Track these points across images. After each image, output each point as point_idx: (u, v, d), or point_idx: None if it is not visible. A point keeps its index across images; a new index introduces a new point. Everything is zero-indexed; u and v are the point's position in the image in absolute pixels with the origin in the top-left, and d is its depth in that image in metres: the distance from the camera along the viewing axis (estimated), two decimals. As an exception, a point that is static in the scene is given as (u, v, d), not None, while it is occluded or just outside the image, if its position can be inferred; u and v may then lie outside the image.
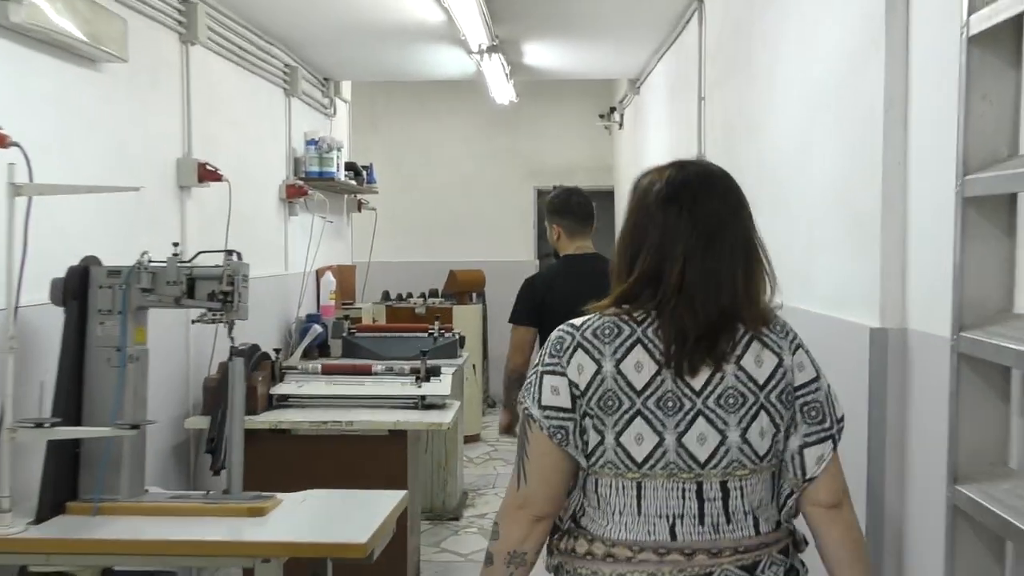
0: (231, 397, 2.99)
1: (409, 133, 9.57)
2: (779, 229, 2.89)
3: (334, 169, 5.92)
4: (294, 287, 5.71)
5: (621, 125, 8.29)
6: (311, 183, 5.90)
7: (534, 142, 9.56)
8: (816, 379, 1.61)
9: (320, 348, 5.63)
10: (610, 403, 1.54)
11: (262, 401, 4.16)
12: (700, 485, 1.55)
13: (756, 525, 1.58)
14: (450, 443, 5.65)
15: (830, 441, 1.60)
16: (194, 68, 4.26)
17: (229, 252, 3.02)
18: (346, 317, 5.79)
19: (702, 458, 1.54)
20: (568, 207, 3.85)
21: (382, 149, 9.51)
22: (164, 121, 4.04)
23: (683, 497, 1.55)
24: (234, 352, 3.09)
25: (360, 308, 6.53)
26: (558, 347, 1.58)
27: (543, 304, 3.74)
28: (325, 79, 6.79)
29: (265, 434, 4.02)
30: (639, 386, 1.54)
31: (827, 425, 1.60)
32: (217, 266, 2.95)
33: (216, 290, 2.92)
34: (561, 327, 1.61)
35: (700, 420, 1.54)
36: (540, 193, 9.68)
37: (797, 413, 1.59)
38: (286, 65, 5.66)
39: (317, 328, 5.53)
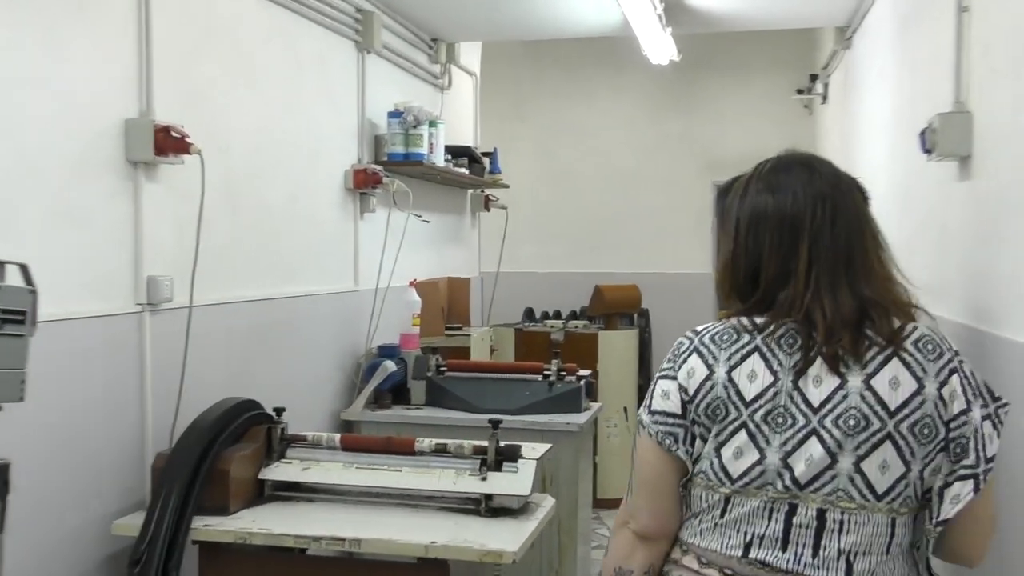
0: None
1: (560, 119, 8.01)
2: None
3: (424, 150, 4.41)
4: (366, 308, 4.25)
5: (825, 98, 6.40)
6: (395, 168, 4.42)
7: (712, 127, 7.78)
8: (966, 411, 1.40)
9: (395, 392, 4.14)
10: (717, 412, 1.45)
11: (241, 491, 2.69)
12: (793, 508, 1.41)
13: (848, 572, 1.39)
14: (567, 524, 4.00)
15: (971, 481, 1.38)
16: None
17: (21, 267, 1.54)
18: (433, 350, 4.26)
19: (804, 479, 1.40)
20: None
21: (529, 139, 8.02)
22: (99, 62, 2.63)
23: (769, 518, 1.42)
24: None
25: (469, 335, 5.00)
26: (676, 351, 1.52)
27: None
28: (433, 40, 5.31)
29: (231, 549, 2.54)
30: (749, 397, 1.44)
31: (969, 462, 1.39)
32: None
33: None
34: (685, 332, 1.53)
35: (812, 440, 1.40)
36: (719, 190, 7.86)
37: (946, 450, 1.40)
38: (357, 9, 4.20)
39: (390, 366, 4.04)
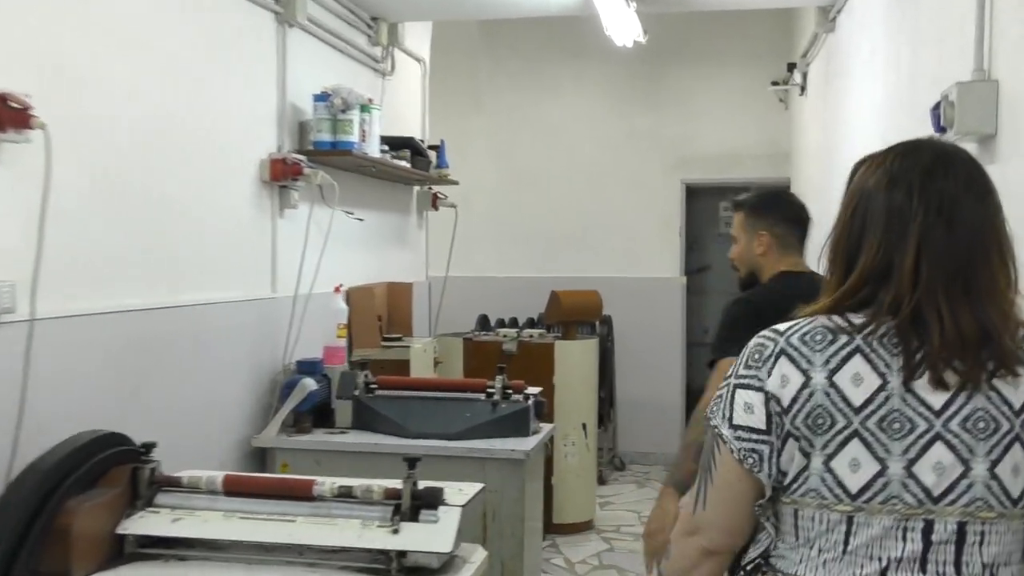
0: None
1: (520, 113, 7.50)
2: None
3: (354, 138, 3.88)
4: (284, 317, 3.71)
5: (804, 89, 5.94)
6: (322, 158, 3.89)
7: (682, 122, 7.30)
8: None
9: (318, 414, 3.61)
10: (820, 421, 1.31)
11: (90, 551, 2.16)
12: (929, 524, 1.30)
13: None
14: (511, 567, 3.47)
15: None
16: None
17: None
18: (361, 365, 3.74)
19: (937, 492, 1.29)
20: (781, 209, 2.85)
21: (486, 133, 7.51)
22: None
23: (904, 538, 1.30)
24: None
25: (408, 346, 4.47)
26: (757, 356, 1.36)
27: None
28: (373, 19, 4.79)
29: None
30: (857, 402, 1.30)
31: None
32: None
33: None
34: (762, 333, 1.38)
35: (938, 445, 1.29)
36: (690, 190, 7.42)
37: None
38: (275, -24, 3.68)
39: (309, 384, 3.51)
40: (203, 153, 3.24)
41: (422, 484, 2.29)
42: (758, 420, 1.35)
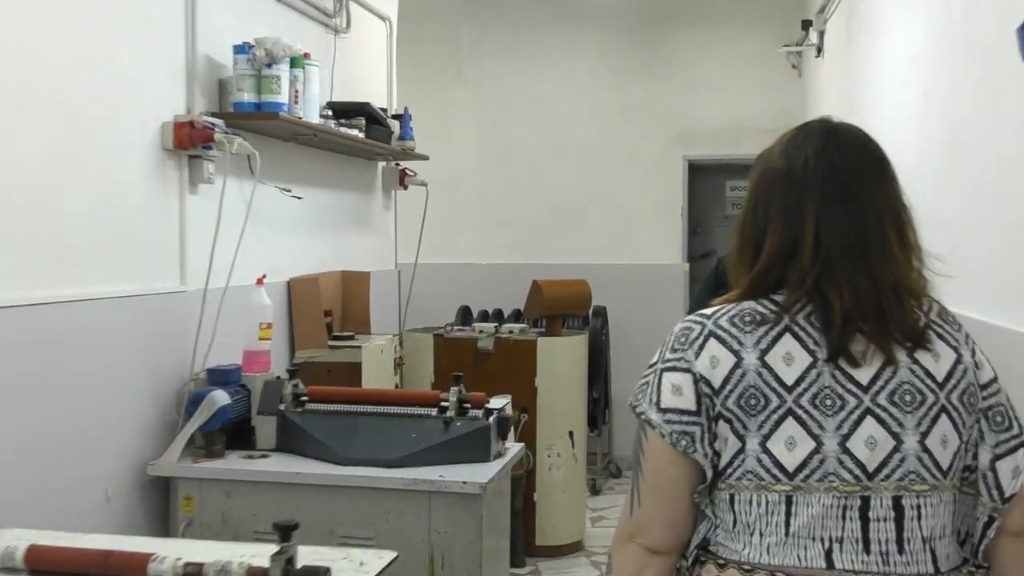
0: None
1: (507, 84, 6.83)
2: None
3: (283, 99, 3.23)
4: (195, 315, 3.06)
5: (820, 51, 5.26)
6: (245, 123, 3.24)
7: (684, 94, 6.62)
8: (995, 379, 1.39)
9: (234, 434, 2.98)
10: (753, 402, 1.31)
11: None
12: (866, 502, 1.30)
13: (935, 561, 1.33)
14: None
15: (1022, 450, 1.36)
16: None
17: None
18: (291, 372, 3.09)
19: (871, 466, 1.30)
20: None
21: (471, 107, 6.86)
22: None
23: (843, 516, 1.30)
24: None
25: (361, 346, 3.83)
26: (683, 339, 1.37)
27: None
28: (321, -35, 4.14)
29: None
30: (790, 381, 1.31)
31: (1016, 431, 1.37)
32: None
33: None
34: (687, 318, 1.40)
35: (869, 420, 1.30)
36: (692, 167, 6.75)
37: (982, 420, 1.37)
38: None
39: (220, 397, 2.87)
40: (84, 117, 2.60)
41: (305, 556, 1.65)
42: (688, 401, 1.33)
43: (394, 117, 4.58)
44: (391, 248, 5.21)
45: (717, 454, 1.33)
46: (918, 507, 1.30)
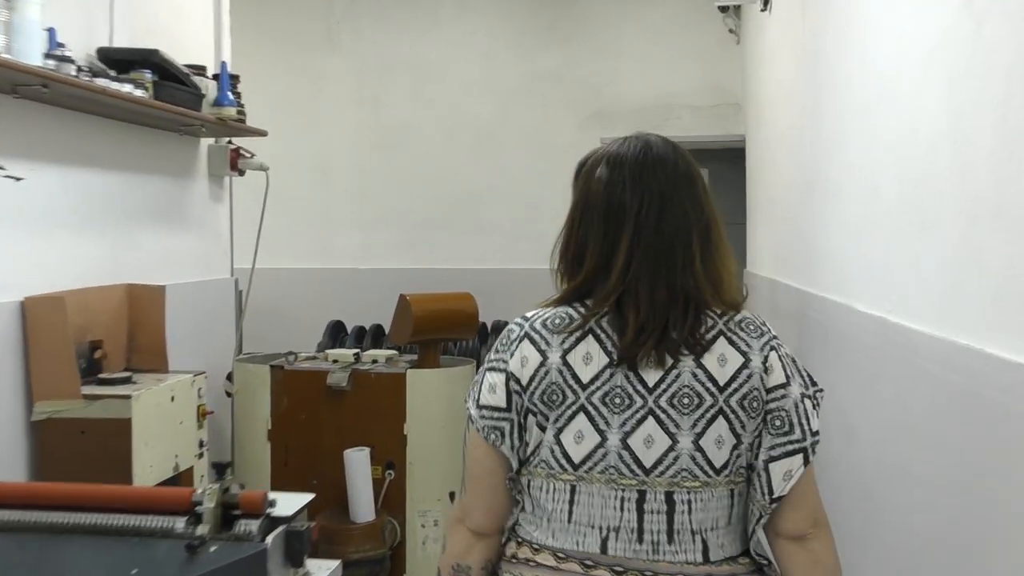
0: None
1: (388, 52, 5.73)
2: None
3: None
4: None
5: (768, 4, 4.21)
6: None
7: (600, 63, 5.65)
8: (784, 384, 1.45)
9: None
10: (554, 397, 1.44)
11: None
12: (642, 495, 1.42)
13: (705, 551, 1.44)
14: None
15: (800, 455, 1.44)
16: None
17: None
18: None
19: (648, 463, 1.42)
20: None
21: (345, 78, 5.78)
22: None
23: (621, 508, 1.43)
24: None
25: (132, 395, 2.67)
26: (505, 340, 1.49)
27: None
28: None
29: None
30: (586, 379, 1.43)
31: (796, 436, 1.44)
32: None
33: None
34: (515, 319, 1.52)
35: (649, 420, 1.42)
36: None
37: (766, 422, 1.45)
38: None
39: None
40: None
41: None
42: (499, 399, 1.45)
43: (213, 78, 3.41)
44: (224, 251, 4.04)
45: (526, 445, 1.45)
46: (689, 502, 1.41)
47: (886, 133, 2.27)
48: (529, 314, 1.48)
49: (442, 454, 3.60)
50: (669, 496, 1.40)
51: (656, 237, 1.43)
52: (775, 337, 1.47)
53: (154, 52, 2.97)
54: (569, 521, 1.43)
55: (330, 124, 5.65)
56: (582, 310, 1.44)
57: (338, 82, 5.69)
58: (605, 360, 1.41)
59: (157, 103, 2.94)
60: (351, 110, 5.71)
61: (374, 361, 3.71)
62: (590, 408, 1.40)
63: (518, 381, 1.43)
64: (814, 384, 1.48)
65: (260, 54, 5.66)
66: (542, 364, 1.42)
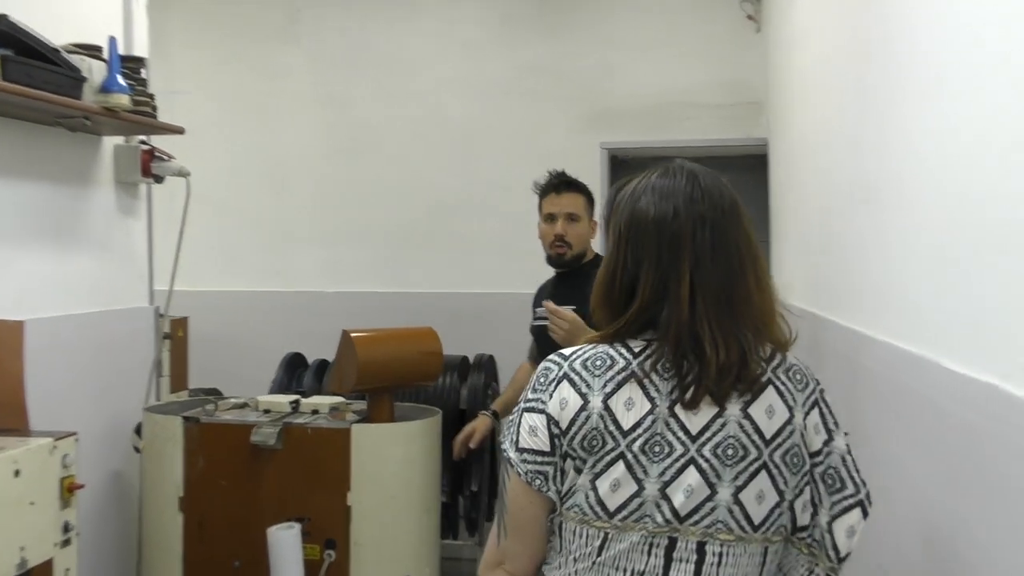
0: None
1: (356, 43, 5.07)
2: None
3: None
4: None
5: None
6: None
7: (599, 55, 4.93)
8: (828, 441, 1.44)
9: None
10: (594, 443, 1.41)
11: None
12: (673, 542, 1.40)
13: None
14: None
15: (859, 509, 1.43)
16: None
17: None
18: None
19: (684, 512, 1.40)
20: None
21: (305, 73, 5.08)
22: None
23: (649, 552, 1.41)
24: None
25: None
26: (543, 379, 1.47)
27: None
28: None
29: None
30: (627, 426, 1.40)
31: (850, 491, 1.43)
32: None
33: None
34: (550, 357, 1.49)
35: (691, 470, 1.39)
36: (615, 160, 5.04)
37: (819, 483, 1.44)
38: None
39: None
40: None
41: None
42: (542, 443, 1.42)
43: (96, 58, 2.70)
44: (140, 274, 3.33)
45: (563, 487, 1.43)
46: (720, 555, 1.38)
47: (980, 124, 1.56)
48: (567, 352, 1.46)
49: (396, 531, 2.88)
50: (701, 547, 1.38)
51: (714, 268, 1.41)
52: (818, 384, 1.46)
53: (11, 26, 2.26)
54: (595, 564, 1.42)
55: (288, 125, 4.99)
56: (624, 351, 1.42)
57: (298, 77, 5.02)
58: (648, 406, 1.39)
59: (9, 86, 2.23)
60: (313, 109, 5.03)
61: (314, 412, 2.99)
62: (629, 456, 1.39)
63: (557, 424, 1.41)
64: (836, 422, 1.46)
65: (208, 45, 4.98)
66: (583, 408, 1.40)
